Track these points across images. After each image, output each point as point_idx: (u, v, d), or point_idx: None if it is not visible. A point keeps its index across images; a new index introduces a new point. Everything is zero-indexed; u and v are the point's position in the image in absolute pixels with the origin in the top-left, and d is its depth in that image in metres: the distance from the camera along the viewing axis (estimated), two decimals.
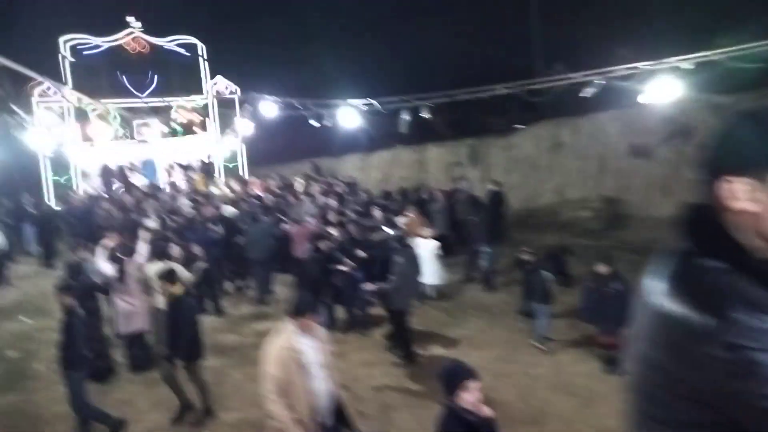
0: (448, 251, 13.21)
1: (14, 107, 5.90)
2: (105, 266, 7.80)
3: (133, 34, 21.26)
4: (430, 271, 9.37)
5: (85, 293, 7.33)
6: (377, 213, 10.86)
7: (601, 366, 6.96)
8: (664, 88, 8.01)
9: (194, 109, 22.33)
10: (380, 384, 7.05)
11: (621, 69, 8.77)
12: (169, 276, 6.40)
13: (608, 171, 15.60)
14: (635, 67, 8.53)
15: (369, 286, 8.13)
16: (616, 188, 15.32)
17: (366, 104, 14.36)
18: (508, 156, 18.60)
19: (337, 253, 8.71)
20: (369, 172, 24.52)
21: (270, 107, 17.52)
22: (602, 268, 6.95)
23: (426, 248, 9.44)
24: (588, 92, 9.61)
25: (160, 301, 7.29)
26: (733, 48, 8.10)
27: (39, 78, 6.34)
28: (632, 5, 18.97)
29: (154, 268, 7.52)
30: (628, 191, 15.05)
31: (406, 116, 18.91)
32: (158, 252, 7.97)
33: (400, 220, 10.56)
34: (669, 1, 17.04)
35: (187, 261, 8.58)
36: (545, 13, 21.37)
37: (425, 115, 14.79)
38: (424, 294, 9.69)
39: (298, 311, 4.17)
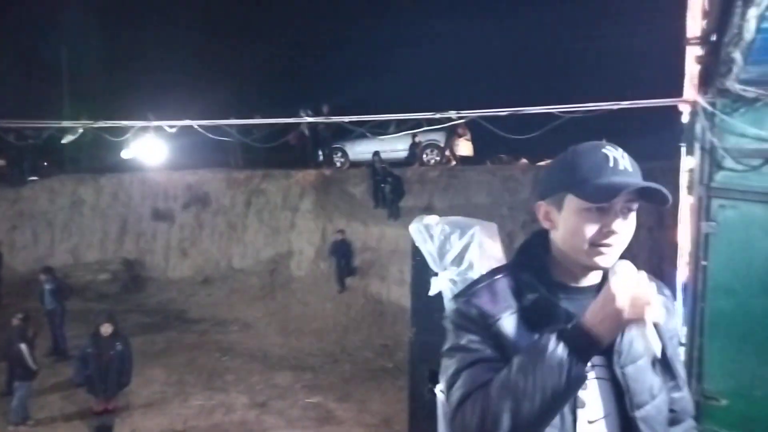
0: None
1: None
2: None
3: None
4: None
5: None
6: None
7: None
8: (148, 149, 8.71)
9: None
10: None
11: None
12: None
13: (129, 233, 15.54)
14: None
15: None
16: (137, 251, 15.37)
17: None
18: (18, 210, 16.16)
19: None
20: None
21: None
22: (106, 328, 6.62)
23: None
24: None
25: None
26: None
27: None
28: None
29: None
30: (148, 254, 15.30)
31: None
32: None
33: None
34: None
35: None
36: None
37: None
38: None
39: None
